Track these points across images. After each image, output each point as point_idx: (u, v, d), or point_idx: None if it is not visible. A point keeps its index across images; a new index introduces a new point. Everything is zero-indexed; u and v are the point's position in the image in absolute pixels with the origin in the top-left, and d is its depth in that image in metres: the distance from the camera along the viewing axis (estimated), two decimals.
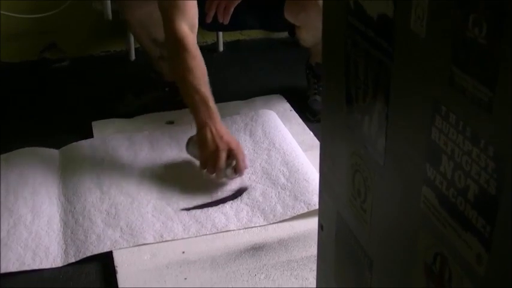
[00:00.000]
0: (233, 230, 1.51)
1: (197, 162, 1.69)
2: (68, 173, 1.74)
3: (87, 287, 1.37)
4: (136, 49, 2.51)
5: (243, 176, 1.66)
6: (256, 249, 1.45)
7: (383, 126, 0.68)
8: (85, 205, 1.60)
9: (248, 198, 1.61)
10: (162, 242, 1.48)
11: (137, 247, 1.46)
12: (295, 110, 2.07)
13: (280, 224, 1.53)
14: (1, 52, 2.42)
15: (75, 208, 1.59)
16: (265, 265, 1.39)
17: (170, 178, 1.70)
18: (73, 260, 1.43)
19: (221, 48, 2.63)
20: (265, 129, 1.88)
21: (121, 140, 1.90)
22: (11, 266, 1.42)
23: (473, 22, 0.49)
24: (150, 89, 2.15)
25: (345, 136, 0.79)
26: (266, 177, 1.68)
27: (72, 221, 1.55)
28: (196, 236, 1.49)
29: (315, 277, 1.02)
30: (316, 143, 1.76)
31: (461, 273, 0.57)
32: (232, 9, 1.87)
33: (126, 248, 1.46)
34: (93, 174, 1.73)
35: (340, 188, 0.83)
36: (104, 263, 1.43)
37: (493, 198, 0.50)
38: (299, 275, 1.36)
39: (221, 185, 1.65)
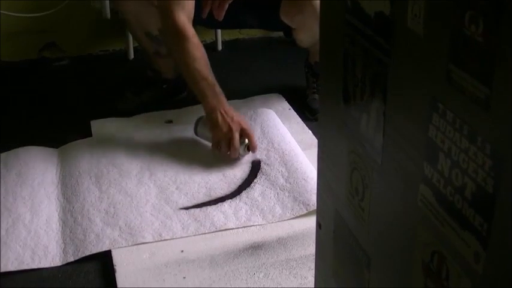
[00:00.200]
0: (232, 229, 1.51)
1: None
2: (67, 172, 1.74)
3: (86, 286, 1.37)
4: (135, 48, 2.51)
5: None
6: (255, 248, 1.45)
7: (380, 124, 0.68)
8: (84, 204, 1.60)
9: (247, 197, 1.61)
10: (161, 241, 1.48)
11: (136, 246, 1.46)
12: (294, 109, 2.07)
13: (279, 223, 1.53)
14: (1, 51, 2.42)
15: (74, 207, 1.59)
16: (264, 264, 1.39)
17: (169, 177, 1.70)
18: (72, 259, 1.43)
19: (220, 47, 2.63)
20: (264, 129, 1.88)
21: (120, 139, 1.90)
22: (10, 265, 1.42)
23: (470, 19, 0.49)
24: (148, 88, 2.15)
25: (343, 134, 0.79)
26: (265, 178, 1.67)
27: (71, 220, 1.55)
28: (195, 235, 1.49)
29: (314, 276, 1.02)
30: (315, 141, 1.75)
31: (459, 271, 0.57)
32: (226, 6, 1.87)
33: (125, 247, 1.46)
34: (92, 173, 1.73)
35: (338, 187, 0.83)
36: (103, 262, 1.43)
37: (490, 196, 0.50)
38: (298, 274, 1.36)
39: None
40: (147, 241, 1.47)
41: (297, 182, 1.63)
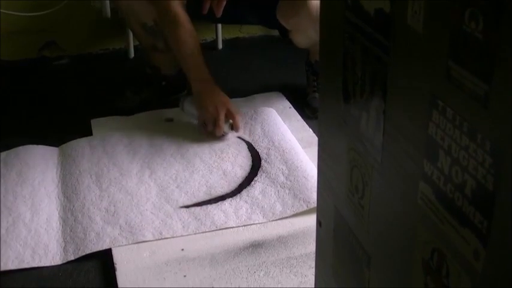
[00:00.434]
0: (232, 227, 1.51)
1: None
2: (67, 171, 1.74)
3: (87, 284, 1.37)
4: (135, 47, 2.51)
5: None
6: (256, 247, 1.44)
7: (380, 121, 0.68)
8: (84, 203, 1.60)
9: (248, 195, 1.61)
10: (161, 239, 1.48)
11: (136, 244, 1.46)
12: (294, 108, 2.07)
13: (279, 221, 1.53)
14: (0, 50, 2.42)
15: (74, 206, 1.59)
16: (264, 262, 1.39)
17: (169, 176, 1.70)
18: (72, 258, 1.43)
19: (220, 46, 2.63)
20: (265, 127, 1.88)
21: (120, 137, 1.90)
22: (10, 263, 1.42)
23: (469, 16, 0.49)
24: (148, 86, 2.15)
25: (343, 132, 0.79)
26: (265, 176, 1.67)
27: (71, 218, 1.55)
28: (195, 234, 1.49)
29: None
30: (316, 140, 1.74)
31: (459, 269, 0.56)
32: (224, 2, 1.91)
33: (125, 245, 1.46)
34: (92, 171, 1.73)
35: (338, 184, 0.83)
36: (103, 261, 1.43)
37: (490, 193, 0.50)
38: (298, 272, 1.36)
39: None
40: (148, 239, 1.47)
41: (298, 180, 1.63)
